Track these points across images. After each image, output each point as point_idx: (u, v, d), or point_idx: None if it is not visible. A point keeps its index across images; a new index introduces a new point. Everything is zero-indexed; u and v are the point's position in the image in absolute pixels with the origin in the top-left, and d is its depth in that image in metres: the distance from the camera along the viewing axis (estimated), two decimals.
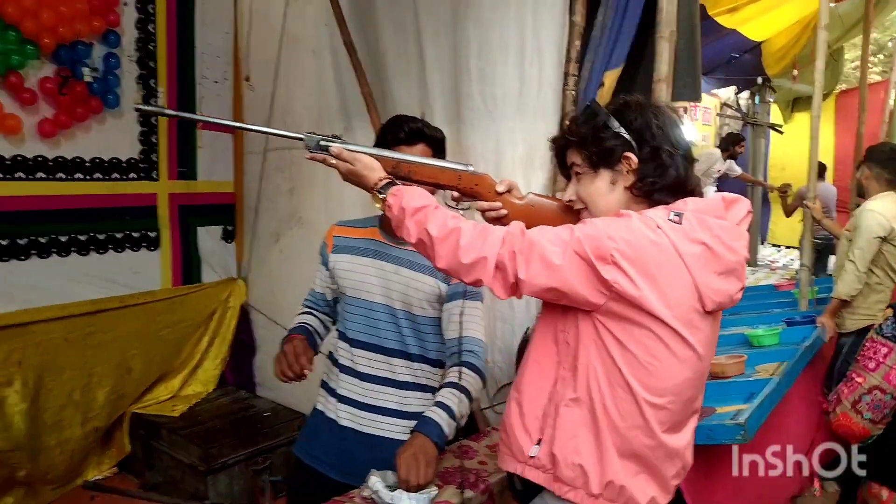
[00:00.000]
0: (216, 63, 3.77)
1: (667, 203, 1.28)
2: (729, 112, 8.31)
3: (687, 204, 1.28)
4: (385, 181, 1.45)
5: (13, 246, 3.06)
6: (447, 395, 1.75)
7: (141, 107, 1.63)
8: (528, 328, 2.50)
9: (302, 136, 1.54)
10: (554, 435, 1.29)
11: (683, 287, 1.22)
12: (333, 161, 1.51)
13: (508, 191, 1.48)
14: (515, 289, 1.26)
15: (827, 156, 7.18)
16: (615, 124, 1.30)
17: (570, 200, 1.40)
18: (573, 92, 2.37)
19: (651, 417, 1.24)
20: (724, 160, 6.63)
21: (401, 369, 1.88)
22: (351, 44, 3.06)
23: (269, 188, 3.85)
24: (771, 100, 7.65)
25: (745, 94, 7.91)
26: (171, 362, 3.75)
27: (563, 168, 1.44)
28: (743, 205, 1.31)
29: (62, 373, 3.20)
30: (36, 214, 3.13)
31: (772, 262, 7.36)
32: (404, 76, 3.03)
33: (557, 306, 1.31)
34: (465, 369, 1.80)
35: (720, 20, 5.47)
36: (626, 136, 1.29)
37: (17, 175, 3.03)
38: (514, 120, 2.66)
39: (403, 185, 1.45)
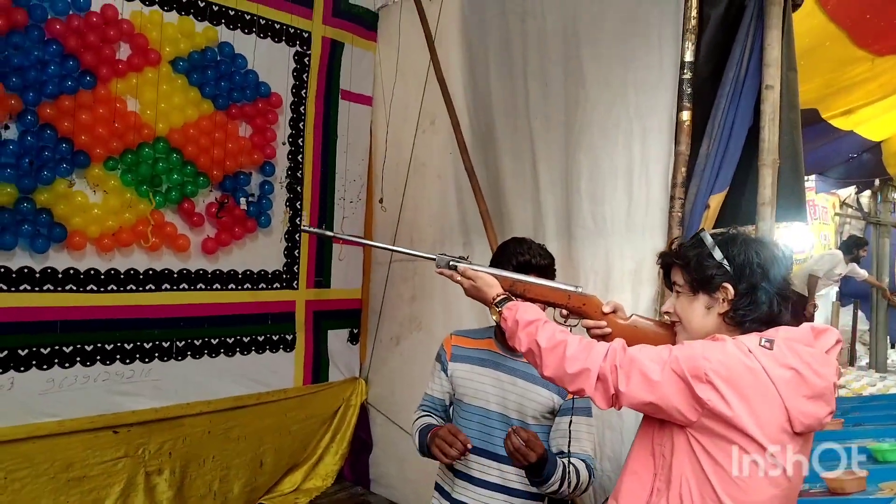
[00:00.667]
0: (352, 186, 4.21)
1: (759, 331, 1.38)
2: (849, 211, 8.05)
3: (778, 332, 1.36)
4: (502, 296, 1.64)
5: (172, 347, 3.45)
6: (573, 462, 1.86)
7: (307, 229, 1.93)
8: None
9: (434, 257, 1.81)
10: None
11: (774, 408, 1.28)
12: (459, 277, 1.76)
13: (614, 311, 1.62)
14: (615, 400, 1.37)
15: None
16: (719, 255, 1.42)
17: (668, 312, 1.53)
18: (679, 213, 2.50)
19: None
20: (847, 263, 6.41)
21: (512, 476, 1.96)
22: (472, 169, 3.37)
23: (392, 295, 4.14)
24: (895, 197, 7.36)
25: (867, 193, 7.67)
26: (297, 457, 3.99)
27: (667, 279, 1.56)
28: (832, 334, 1.38)
29: (204, 464, 3.50)
30: (193, 320, 3.52)
31: None
32: (520, 196, 3.28)
33: (655, 420, 1.41)
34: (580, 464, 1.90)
35: (835, 123, 5.43)
36: (728, 268, 1.40)
37: (181, 286, 3.47)
38: (622, 237, 2.81)
39: (518, 301, 1.63)
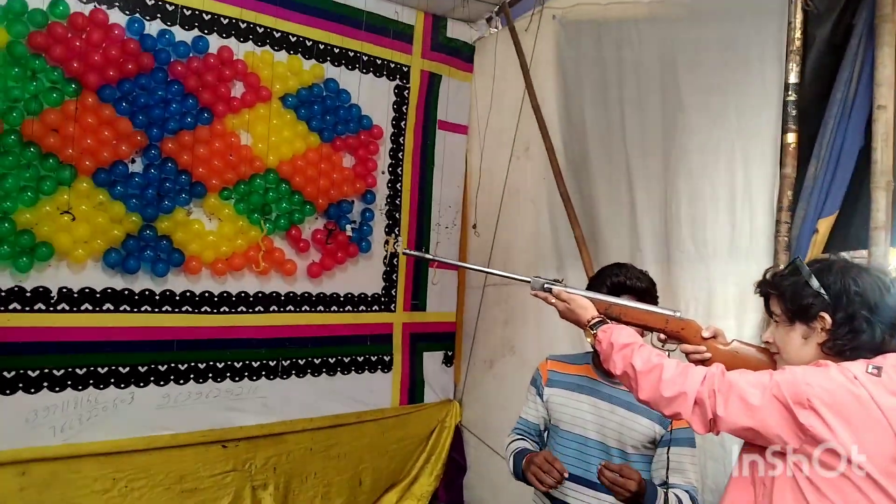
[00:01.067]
0: (447, 212, 4.32)
1: (865, 358, 1.34)
2: None
3: (887, 359, 1.32)
4: (597, 319, 1.65)
5: (278, 366, 3.61)
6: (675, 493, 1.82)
7: (408, 252, 1.99)
8: None
9: (529, 279, 1.84)
10: None
11: (883, 437, 1.24)
12: (553, 300, 1.77)
13: (714, 336, 1.60)
14: (713, 425, 1.35)
15: None
16: (815, 284, 1.39)
17: (767, 342, 1.50)
18: (786, 238, 2.43)
19: None
20: None
21: None
22: (566, 194, 3.39)
23: (486, 318, 4.19)
24: None
25: None
26: (395, 477, 4.08)
27: (767, 308, 1.53)
28: None
29: (306, 480, 3.63)
30: (298, 340, 3.69)
31: None
32: (615, 221, 3.27)
33: (756, 447, 1.37)
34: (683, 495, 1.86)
35: None
36: (825, 296, 1.37)
37: (287, 308, 3.65)
38: (725, 263, 2.75)
39: (613, 324, 1.63)
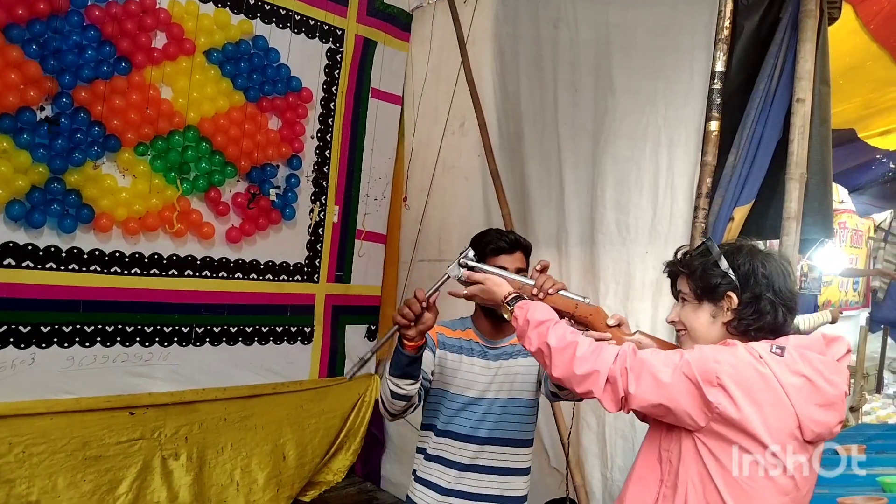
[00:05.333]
0: (377, 183, 4.23)
1: (766, 339, 1.37)
2: (881, 235, 7.89)
3: (789, 339, 1.36)
4: (513, 295, 1.63)
5: (191, 333, 3.49)
6: None
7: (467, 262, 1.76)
8: None
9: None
10: None
11: (784, 415, 1.28)
12: (465, 291, 1.73)
13: (619, 325, 1.60)
14: (624, 403, 1.37)
15: None
16: (724, 265, 1.42)
17: (673, 321, 1.53)
18: (703, 224, 2.48)
19: None
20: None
21: (499, 456, 1.98)
22: (496, 171, 3.37)
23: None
24: None
25: None
26: (320, 451, 4.02)
27: (673, 289, 1.56)
28: (843, 343, 1.37)
29: (222, 452, 3.53)
30: (214, 307, 3.56)
31: None
32: (545, 202, 3.29)
33: (663, 425, 1.40)
34: None
35: (872, 143, 5.35)
36: (733, 277, 1.40)
37: (203, 273, 3.51)
38: (646, 246, 2.81)
39: (529, 300, 1.61)
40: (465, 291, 1.73)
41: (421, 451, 2.08)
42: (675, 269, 1.53)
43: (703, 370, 1.29)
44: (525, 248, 2.02)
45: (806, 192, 2.34)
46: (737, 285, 1.40)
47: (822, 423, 1.31)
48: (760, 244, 1.85)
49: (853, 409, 5.36)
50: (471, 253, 1.77)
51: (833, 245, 7.45)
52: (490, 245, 2.00)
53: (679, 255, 1.56)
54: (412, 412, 1.95)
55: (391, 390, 1.84)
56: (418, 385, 1.86)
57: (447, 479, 2.00)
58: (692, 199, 2.58)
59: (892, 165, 5.87)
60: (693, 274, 1.46)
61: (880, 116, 4.92)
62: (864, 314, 7.68)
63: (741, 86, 2.50)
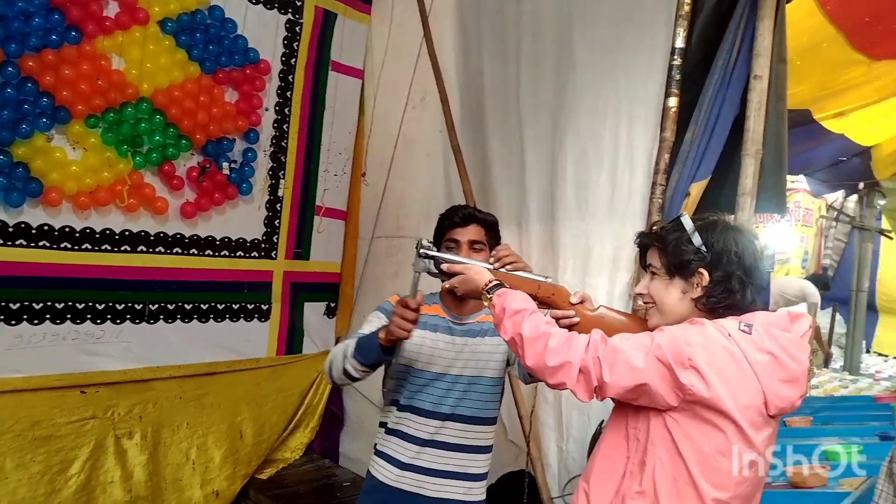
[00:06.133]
0: (337, 159, 4.15)
1: (733, 316, 1.39)
2: (833, 215, 8.11)
3: (756, 316, 1.38)
4: (494, 283, 1.61)
5: (144, 310, 3.40)
6: None
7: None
8: (602, 420, 2.58)
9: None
10: None
11: (751, 391, 1.31)
12: (446, 283, 1.70)
13: (582, 302, 1.60)
14: (598, 392, 1.37)
15: None
16: (698, 241, 1.42)
17: (641, 294, 1.53)
18: (660, 200, 2.50)
19: None
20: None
21: (461, 433, 1.99)
22: (458, 147, 3.34)
23: (375, 271, 4.13)
24: (882, 203, 7.40)
25: (854, 198, 7.71)
26: (278, 429, 3.98)
27: (642, 261, 1.56)
28: (806, 320, 1.40)
29: (178, 430, 3.46)
30: (168, 284, 3.47)
31: (877, 372, 6.96)
32: (506, 178, 3.28)
33: (630, 404, 1.41)
34: None
35: (826, 125, 5.45)
36: (706, 254, 1.41)
37: (157, 249, 3.42)
38: (604, 222, 2.82)
39: (508, 288, 1.59)
40: (446, 285, 1.71)
41: (382, 424, 2.08)
42: (648, 242, 1.53)
43: (674, 352, 1.31)
44: (482, 222, 2.01)
45: (761, 169, 2.38)
46: (709, 262, 1.40)
47: (785, 398, 1.34)
48: (731, 218, 1.85)
49: None
50: (425, 241, 1.75)
51: (787, 222, 7.64)
52: (445, 220, 2.02)
53: (653, 228, 1.58)
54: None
55: (345, 369, 1.83)
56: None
57: (407, 454, 1.99)
58: (650, 174, 2.59)
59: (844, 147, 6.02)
60: (665, 248, 1.46)
61: (835, 98, 5.01)
62: None
63: (701, 62, 2.51)
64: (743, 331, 1.34)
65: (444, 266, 1.71)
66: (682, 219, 1.48)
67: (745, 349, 1.32)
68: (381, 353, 1.79)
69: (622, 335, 1.41)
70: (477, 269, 1.66)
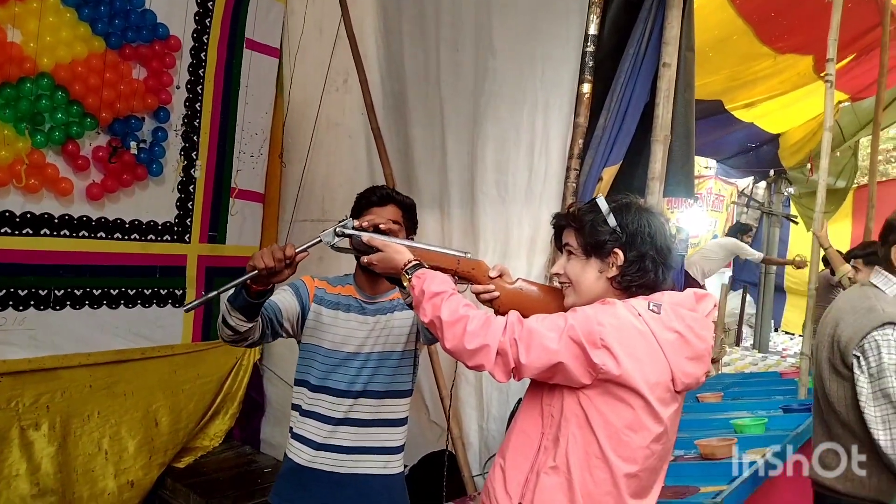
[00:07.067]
0: (254, 140, 4.04)
1: (644, 295, 1.44)
2: (744, 201, 8.48)
3: (664, 296, 1.43)
4: (413, 263, 1.59)
5: (49, 296, 3.24)
6: None
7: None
8: (519, 399, 2.63)
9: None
10: (533, 499, 1.40)
11: (660, 368, 1.36)
12: (365, 259, 1.68)
13: (500, 275, 1.61)
14: (516, 373, 1.39)
15: (843, 249, 7.22)
16: (613, 222, 1.45)
17: (557, 274, 1.55)
18: (574, 184, 2.56)
19: (622, 484, 1.36)
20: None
21: (374, 408, 1.99)
22: (378, 130, 3.32)
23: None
24: (790, 191, 7.78)
25: (763, 184, 8.09)
26: (196, 416, 3.88)
27: (558, 242, 1.58)
28: (711, 299, 1.46)
29: (89, 420, 3.34)
30: (75, 269, 3.32)
31: (784, 349, 7.36)
32: (429, 163, 3.27)
33: (545, 382, 1.43)
34: None
35: (737, 114, 5.69)
36: (620, 234, 1.44)
37: (62, 232, 3.25)
38: (522, 206, 2.86)
39: (428, 270, 1.57)
40: (365, 259, 1.68)
41: (296, 407, 2.06)
42: (564, 223, 1.55)
43: (587, 332, 1.33)
44: (400, 203, 2.00)
45: (670, 154, 2.45)
46: (624, 243, 1.44)
47: (691, 375, 1.40)
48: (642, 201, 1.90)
49: (714, 361, 5.78)
50: (352, 223, 1.72)
51: (699, 207, 7.94)
52: (363, 199, 2.00)
53: (569, 208, 1.60)
54: (247, 346, 1.87)
55: (223, 318, 1.75)
56: (252, 326, 1.77)
57: (322, 434, 1.98)
58: (565, 159, 2.64)
59: (753, 134, 6.31)
60: (582, 229, 1.48)
61: (745, 89, 5.23)
62: (727, 273, 8.27)
63: (613, 49, 2.56)
64: (652, 310, 1.38)
65: (364, 237, 1.69)
66: (597, 200, 1.51)
67: (654, 328, 1.36)
68: (247, 294, 1.69)
69: (537, 316, 1.43)
70: (396, 248, 1.64)
